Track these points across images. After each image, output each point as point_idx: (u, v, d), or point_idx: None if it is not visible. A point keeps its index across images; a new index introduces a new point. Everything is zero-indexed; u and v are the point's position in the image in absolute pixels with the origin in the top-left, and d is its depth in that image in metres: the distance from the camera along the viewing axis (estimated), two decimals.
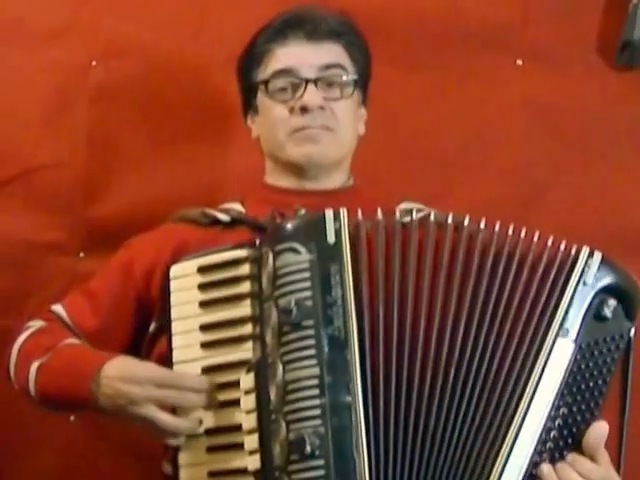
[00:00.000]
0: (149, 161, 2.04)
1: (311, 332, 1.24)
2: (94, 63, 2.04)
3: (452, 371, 1.26)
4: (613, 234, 1.96)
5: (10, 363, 1.51)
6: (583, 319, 1.27)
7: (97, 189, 2.03)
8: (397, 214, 1.31)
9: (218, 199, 1.74)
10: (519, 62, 2.09)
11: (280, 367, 1.24)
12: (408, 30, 2.06)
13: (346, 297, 1.25)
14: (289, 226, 1.30)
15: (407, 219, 1.31)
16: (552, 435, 1.25)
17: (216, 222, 1.56)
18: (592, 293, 1.28)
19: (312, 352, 1.23)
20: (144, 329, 1.53)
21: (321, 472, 1.20)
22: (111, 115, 2.04)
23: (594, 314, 1.28)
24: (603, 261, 1.28)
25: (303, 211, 1.32)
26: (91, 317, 1.54)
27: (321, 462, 1.21)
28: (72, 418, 1.98)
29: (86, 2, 2.05)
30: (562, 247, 1.30)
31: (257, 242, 1.32)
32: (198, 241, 1.50)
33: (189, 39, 2.05)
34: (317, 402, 1.22)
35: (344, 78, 1.60)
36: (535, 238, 1.30)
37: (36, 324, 1.54)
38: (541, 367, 1.25)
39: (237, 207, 1.60)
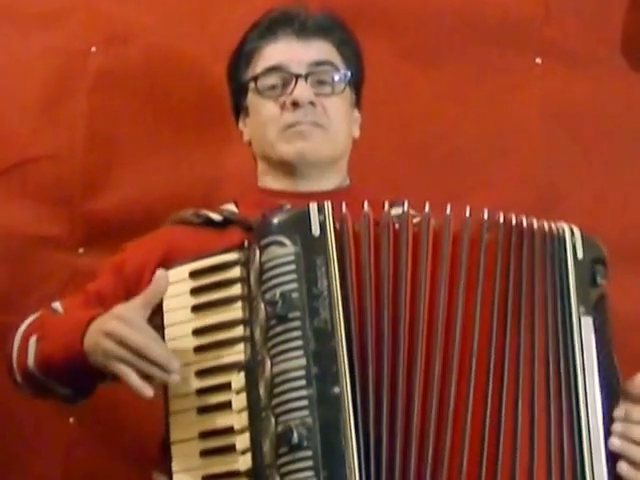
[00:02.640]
0: (150, 154, 2.01)
1: (297, 324, 1.25)
2: (94, 49, 2.00)
3: (455, 362, 1.26)
4: (636, 241, 1.95)
5: (13, 351, 1.51)
6: (585, 290, 1.32)
7: (96, 182, 2.01)
8: (386, 207, 1.32)
9: (219, 193, 1.74)
10: (538, 60, 2.05)
11: (268, 362, 1.25)
12: (424, 23, 2.03)
13: (332, 288, 1.26)
14: (275, 220, 1.31)
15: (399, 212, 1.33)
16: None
17: (209, 222, 1.55)
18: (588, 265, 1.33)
19: (299, 343, 1.24)
20: None
21: (309, 463, 1.21)
22: (111, 104, 2.01)
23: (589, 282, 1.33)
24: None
25: (289, 206, 1.34)
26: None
27: (309, 453, 1.21)
28: (71, 420, 1.97)
29: None
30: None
31: (246, 244, 1.33)
32: (191, 242, 1.50)
33: (193, 25, 2.03)
34: (304, 393, 1.23)
35: (335, 75, 1.61)
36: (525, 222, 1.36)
37: (35, 314, 1.56)
38: (579, 349, 1.29)
39: (231, 208, 1.61)
